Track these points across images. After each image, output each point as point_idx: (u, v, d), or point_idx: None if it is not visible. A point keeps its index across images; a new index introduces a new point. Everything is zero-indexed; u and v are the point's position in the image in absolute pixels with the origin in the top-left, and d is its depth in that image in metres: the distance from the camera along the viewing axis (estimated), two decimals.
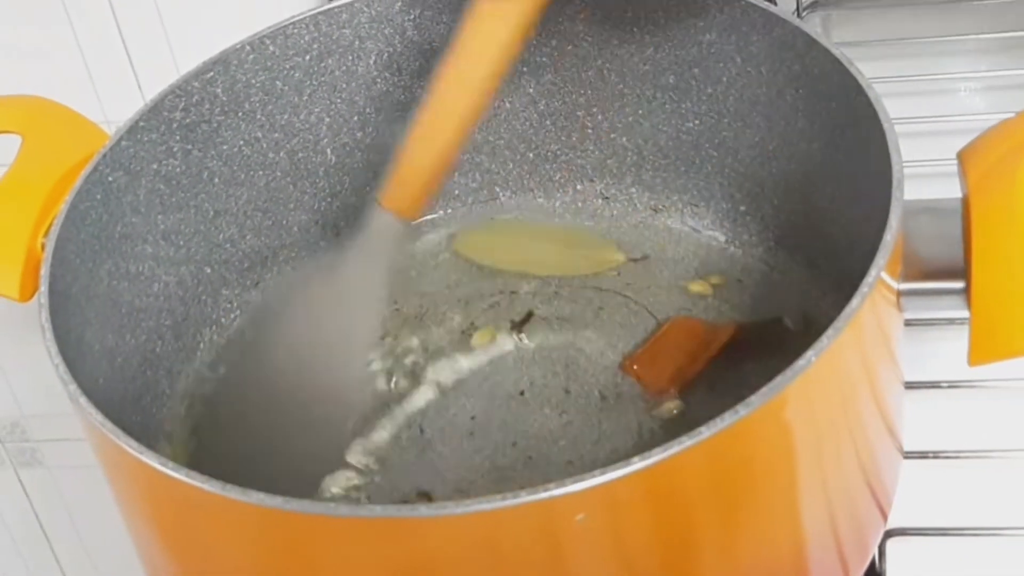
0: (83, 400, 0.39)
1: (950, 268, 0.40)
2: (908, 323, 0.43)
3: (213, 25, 0.78)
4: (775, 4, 0.51)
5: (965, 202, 0.41)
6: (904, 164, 0.41)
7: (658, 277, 0.56)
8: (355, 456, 0.49)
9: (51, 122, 0.53)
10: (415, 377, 0.53)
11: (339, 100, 0.56)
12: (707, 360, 0.51)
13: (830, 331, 0.36)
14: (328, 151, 0.57)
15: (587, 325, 0.54)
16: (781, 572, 0.39)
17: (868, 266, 0.37)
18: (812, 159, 0.50)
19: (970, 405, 0.53)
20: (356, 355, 0.50)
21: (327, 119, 0.56)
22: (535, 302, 0.55)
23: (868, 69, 0.45)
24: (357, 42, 0.55)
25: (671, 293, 0.55)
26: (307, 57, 0.55)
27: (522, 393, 0.51)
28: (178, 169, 0.52)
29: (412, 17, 0.56)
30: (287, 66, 0.55)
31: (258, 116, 0.55)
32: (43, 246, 0.47)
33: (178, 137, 0.52)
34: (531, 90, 0.57)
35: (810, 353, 0.35)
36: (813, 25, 0.67)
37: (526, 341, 0.53)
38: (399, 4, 0.55)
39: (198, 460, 0.50)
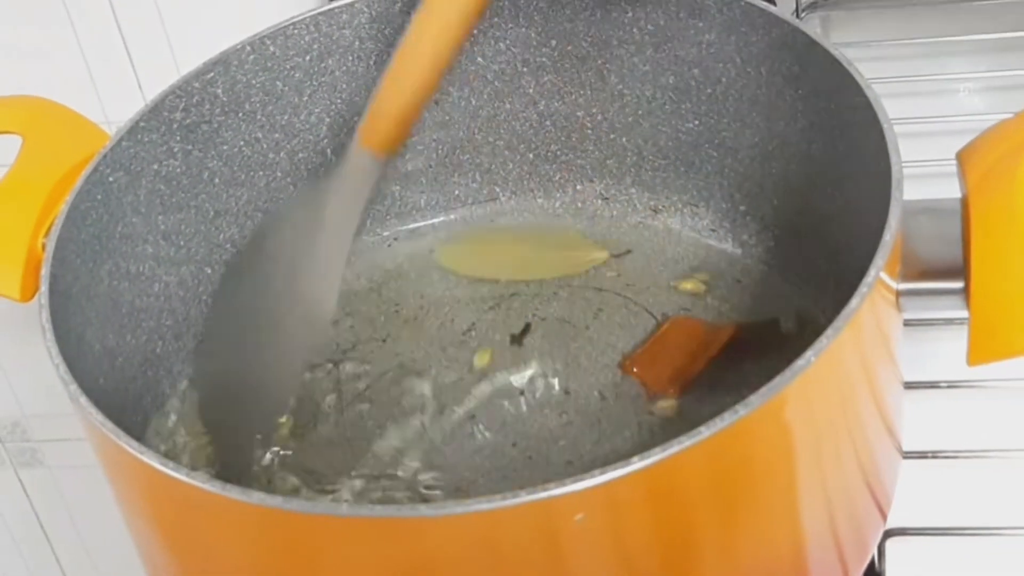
0: (83, 400, 0.39)
1: (949, 268, 0.41)
2: (907, 323, 0.43)
3: (213, 25, 0.78)
4: (774, 5, 0.51)
5: (964, 202, 0.41)
6: (903, 164, 0.41)
7: (657, 277, 0.56)
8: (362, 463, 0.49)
9: (52, 122, 0.53)
10: (415, 377, 0.53)
11: (339, 101, 0.56)
12: (707, 360, 0.51)
13: (829, 331, 0.36)
14: (328, 151, 0.57)
15: (587, 326, 0.54)
16: (780, 572, 0.39)
17: (867, 266, 0.37)
18: (811, 159, 0.50)
19: (969, 405, 0.53)
20: (328, 276, 0.52)
21: (327, 119, 0.56)
22: (535, 304, 0.55)
23: (867, 69, 0.45)
24: (357, 43, 0.56)
25: (670, 293, 0.55)
26: (307, 57, 0.55)
27: (522, 393, 0.52)
28: (178, 169, 0.52)
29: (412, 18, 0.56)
30: (287, 66, 0.55)
31: (258, 116, 0.55)
32: (44, 246, 0.47)
33: (178, 137, 0.52)
34: (531, 90, 0.57)
35: (809, 353, 0.35)
36: (812, 26, 0.67)
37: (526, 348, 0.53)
38: (399, 5, 0.55)
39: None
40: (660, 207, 0.58)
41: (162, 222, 0.52)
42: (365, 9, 0.55)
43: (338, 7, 0.55)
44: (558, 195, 0.60)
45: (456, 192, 0.60)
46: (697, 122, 0.55)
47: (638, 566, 0.36)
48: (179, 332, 0.54)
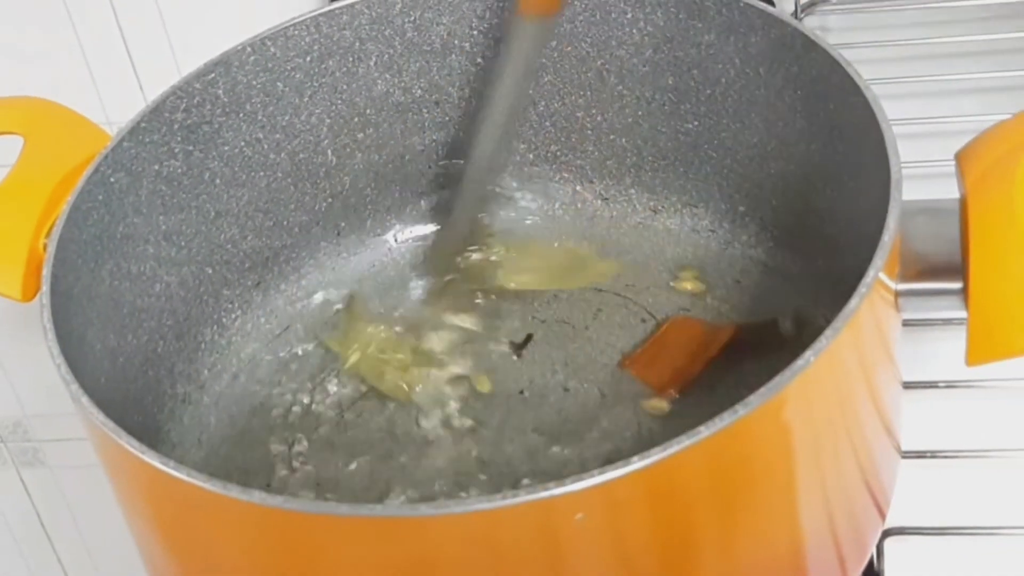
0: (85, 400, 0.39)
1: (948, 268, 0.41)
2: (906, 323, 0.43)
3: (214, 26, 0.79)
4: (773, 5, 0.51)
5: (963, 203, 0.41)
6: (902, 165, 0.41)
7: (657, 278, 0.56)
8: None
9: (53, 123, 0.53)
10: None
11: (340, 101, 0.56)
12: (707, 360, 0.51)
13: (828, 331, 0.36)
14: (329, 152, 0.57)
15: (586, 326, 0.54)
16: (779, 571, 0.39)
17: (866, 266, 0.37)
18: (811, 160, 0.50)
19: (968, 405, 0.53)
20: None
21: (328, 120, 0.57)
22: (535, 305, 0.55)
23: (866, 70, 0.45)
24: (358, 43, 0.56)
25: (670, 293, 0.55)
26: (308, 58, 0.55)
27: (522, 392, 0.52)
28: (179, 170, 0.52)
29: (412, 19, 0.56)
30: (288, 67, 0.55)
31: (259, 117, 0.55)
32: (45, 246, 0.47)
33: (179, 138, 0.52)
34: (530, 91, 0.57)
35: (808, 353, 0.35)
36: (812, 26, 0.67)
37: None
38: (399, 6, 0.55)
39: None
40: (660, 207, 0.58)
41: (163, 222, 0.52)
42: (365, 10, 0.55)
43: (338, 8, 0.55)
44: (558, 195, 0.60)
45: (456, 192, 0.60)
46: (696, 123, 0.55)
47: (638, 566, 0.36)
48: (180, 332, 0.54)
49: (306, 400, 0.53)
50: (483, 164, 0.56)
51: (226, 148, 0.54)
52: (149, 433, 0.51)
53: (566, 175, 0.59)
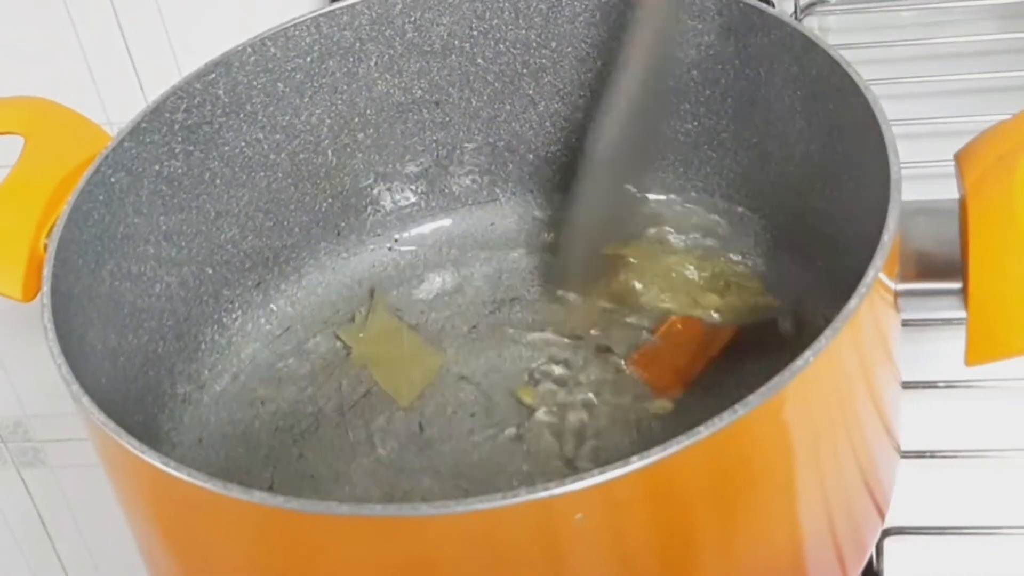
0: (85, 400, 0.39)
1: (947, 269, 0.41)
2: (905, 323, 0.43)
3: (215, 27, 0.79)
4: (773, 6, 0.51)
5: (962, 203, 0.41)
6: (902, 165, 0.41)
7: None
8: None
9: (53, 123, 0.53)
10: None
11: (340, 101, 0.56)
12: (707, 360, 0.51)
13: (828, 331, 0.36)
14: (329, 152, 0.57)
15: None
16: (779, 571, 0.39)
17: (866, 267, 0.38)
18: (810, 160, 0.50)
19: (967, 405, 0.53)
20: None
21: (328, 120, 0.57)
22: (535, 306, 0.55)
23: (866, 71, 0.45)
24: (358, 44, 0.56)
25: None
26: (308, 59, 0.55)
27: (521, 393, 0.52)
28: (180, 170, 0.53)
29: (412, 19, 0.56)
30: (288, 68, 0.55)
31: (259, 117, 0.55)
32: (45, 247, 0.47)
33: (180, 138, 0.52)
34: (530, 91, 0.58)
35: (808, 353, 0.35)
36: (811, 27, 0.67)
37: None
38: (399, 6, 0.55)
39: None
40: (659, 208, 0.58)
41: (163, 223, 0.52)
42: (366, 11, 0.55)
43: (339, 8, 0.55)
44: (558, 196, 0.60)
45: (456, 192, 0.60)
46: (696, 123, 0.55)
47: (637, 565, 0.36)
48: (180, 332, 0.54)
49: (307, 400, 0.53)
50: (606, 158, 0.52)
51: (226, 148, 0.54)
52: (149, 433, 0.51)
53: (566, 175, 0.59)
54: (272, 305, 0.57)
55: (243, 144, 0.55)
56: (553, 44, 0.56)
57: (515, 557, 0.35)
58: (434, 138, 0.59)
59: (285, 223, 0.57)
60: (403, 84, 0.57)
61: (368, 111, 0.57)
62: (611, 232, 0.54)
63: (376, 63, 0.56)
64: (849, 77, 0.45)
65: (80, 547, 1.07)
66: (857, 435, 0.40)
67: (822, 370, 0.36)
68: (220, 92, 0.53)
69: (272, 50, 0.54)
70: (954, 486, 0.50)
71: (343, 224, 0.59)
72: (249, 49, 0.53)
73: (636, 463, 0.33)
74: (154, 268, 0.52)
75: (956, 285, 0.40)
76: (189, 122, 0.52)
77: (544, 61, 0.57)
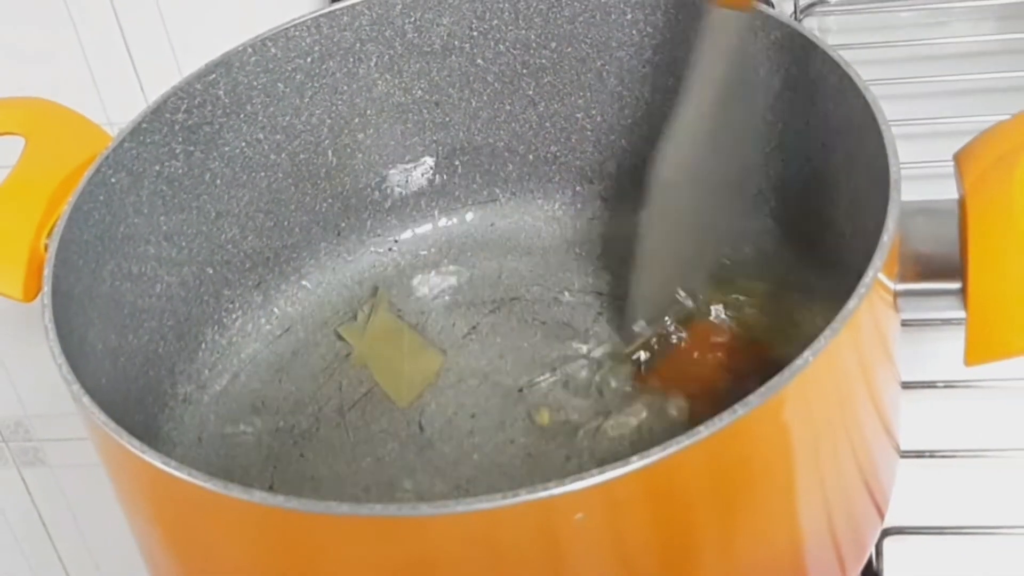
0: (86, 400, 0.39)
1: (947, 269, 0.41)
2: (905, 323, 0.43)
3: (215, 27, 0.79)
4: (773, 7, 0.51)
5: (961, 203, 0.41)
6: (901, 165, 0.41)
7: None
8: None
9: (54, 124, 0.53)
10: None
11: (340, 102, 0.57)
12: (712, 363, 0.51)
13: (827, 331, 0.36)
14: (329, 152, 0.57)
15: (586, 328, 0.54)
16: (779, 570, 0.39)
17: (865, 267, 0.38)
18: (810, 161, 0.50)
19: (966, 405, 0.53)
20: None
21: (328, 121, 0.57)
22: (536, 307, 0.55)
23: (865, 71, 0.45)
24: (358, 44, 0.56)
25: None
26: (308, 59, 0.55)
27: (521, 391, 0.52)
28: (180, 170, 0.53)
29: (412, 20, 0.56)
30: (288, 68, 0.55)
31: (260, 118, 0.55)
32: (46, 247, 0.47)
33: (180, 139, 0.52)
34: (530, 92, 0.58)
35: (807, 353, 0.35)
36: (811, 27, 0.67)
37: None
38: (399, 7, 0.55)
39: None
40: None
41: (164, 223, 0.52)
42: (366, 11, 0.55)
43: (339, 9, 0.55)
44: (557, 196, 0.60)
45: (456, 193, 0.60)
46: None
47: (637, 565, 0.36)
48: (181, 332, 0.54)
49: (307, 400, 0.53)
50: (678, 182, 0.50)
51: (227, 148, 0.54)
52: (149, 433, 0.51)
53: (566, 175, 0.59)
54: (272, 305, 0.57)
55: (243, 144, 0.55)
56: (553, 44, 0.56)
57: (515, 557, 0.35)
58: (434, 138, 0.59)
59: (285, 223, 0.57)
60: (403, 84, 0.57)
61: (368, 111, 0.57)
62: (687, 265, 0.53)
63: (376, 63, 0.56)
64: (849, 77, 0.45)
65: (80, 547, 1.07)
66: (857, 435, 0.41)
67: (822, 370, 0.36)
68: (220, 92, 0.53)
69: (272, 50, 0.54)
70: (953, 486, 0.51)
71: (343, 224, 0.59)
72: (249, 49, 0.54)
73: (636, 463, 0.33)
74: (154, 268, 0.52)
75: (955, 285, 0.40)
76: (190, 122, 0.52)
77: (544, 61, 0.57)
